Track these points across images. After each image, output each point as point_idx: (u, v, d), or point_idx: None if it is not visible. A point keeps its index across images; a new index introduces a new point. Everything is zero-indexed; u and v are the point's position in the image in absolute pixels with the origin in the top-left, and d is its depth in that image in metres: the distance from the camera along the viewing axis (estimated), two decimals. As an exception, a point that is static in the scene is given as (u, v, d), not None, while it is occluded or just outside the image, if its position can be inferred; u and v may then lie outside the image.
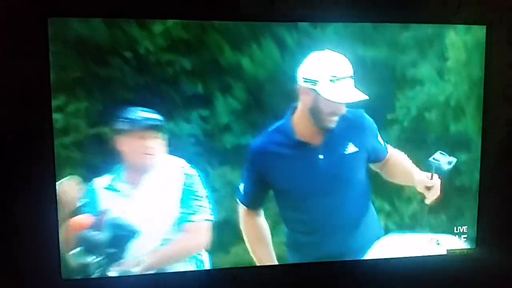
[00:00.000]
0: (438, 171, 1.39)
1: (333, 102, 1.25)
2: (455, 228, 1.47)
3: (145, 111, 1.27)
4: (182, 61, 1.27)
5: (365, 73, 1.33)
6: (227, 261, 1.37)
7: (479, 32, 1.41)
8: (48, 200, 1.25)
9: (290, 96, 1.32)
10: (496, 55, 1.42)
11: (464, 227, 1.48)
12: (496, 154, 1.47)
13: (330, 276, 1.41)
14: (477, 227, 1.48)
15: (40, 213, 1.25)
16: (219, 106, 1.31)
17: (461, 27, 1.39)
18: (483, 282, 1.51)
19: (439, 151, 1.40)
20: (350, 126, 1.31)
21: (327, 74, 1.25)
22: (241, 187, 1.33)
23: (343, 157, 1.31)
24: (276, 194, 1.34)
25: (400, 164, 1.38)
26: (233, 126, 1.33)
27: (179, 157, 1.30)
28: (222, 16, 1.28)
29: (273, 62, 1.32)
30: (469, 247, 1.48)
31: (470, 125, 1.44)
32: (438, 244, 1.46)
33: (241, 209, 1.35)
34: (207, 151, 1.32)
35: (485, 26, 1.41)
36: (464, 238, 1.48)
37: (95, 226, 1.27)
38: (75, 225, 1.27)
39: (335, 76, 1.25)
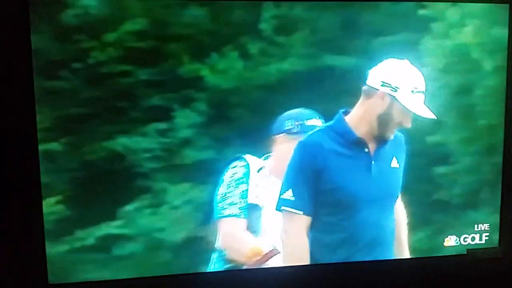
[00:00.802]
0: None
1: (407, 112, 1.21)
2: (475, 226, 1.39)
3: (317, 119, 1.27)
4: (138, 72, 1.20)
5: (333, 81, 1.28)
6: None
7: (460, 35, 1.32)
8: (34, 203, 1.20)
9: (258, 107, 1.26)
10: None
11: (486, 225, 1.40)
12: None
13: (347, 276, 1.32)
14: (499, 225, 1.40)
15: (26, 217, 1.21)
16: (179, 119, 1.24)
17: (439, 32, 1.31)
18: (506, 283, 1.43)
19: None
20: (395, 143, 1.26)
21: (410, 84, 1.21)
22: (288, 194, 1.21)
23: (389, 169, 1.26)
24: (319, 194, 1.22)
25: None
26: (194, 140, 1.25)
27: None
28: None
29: (237, 73, 1.25)
30: (490, 246, 1.40)
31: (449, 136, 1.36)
32: (458, 243, 1.39)
33: (290, 219, 1.21)
34: (165, 166, 1.24)
35: (507, 5, 1.33)
36: (485, 236, 1.40)
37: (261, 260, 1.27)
38: (253, 251, 1.27)
39: (416, 88, 1.22)
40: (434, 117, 1.23)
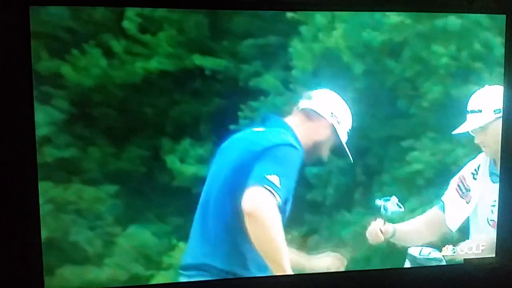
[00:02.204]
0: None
1: (334, 145, 1.32)
2: None
3: None
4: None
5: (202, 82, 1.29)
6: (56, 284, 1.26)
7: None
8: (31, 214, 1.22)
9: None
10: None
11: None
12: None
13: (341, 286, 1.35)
14: (496, 235, 1.41)
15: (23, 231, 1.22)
16: (37, 116, 1.22)
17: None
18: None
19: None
20: None
21: (348, 121, 1.33)
22: (275, 179, 1.21)
23: None
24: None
25: None
26: (54, 138, 1.23)
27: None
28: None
29: (100, 70, 1.24)
30: (487, 255, 1.42)
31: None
32: (454, 253, 1.40)
33: (271, 202, 1.21)
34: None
35: (504, 16, 1.37)
36: (482, 246, 1.41)
37: None
38: None
39: (349, 125, 1.35)
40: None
